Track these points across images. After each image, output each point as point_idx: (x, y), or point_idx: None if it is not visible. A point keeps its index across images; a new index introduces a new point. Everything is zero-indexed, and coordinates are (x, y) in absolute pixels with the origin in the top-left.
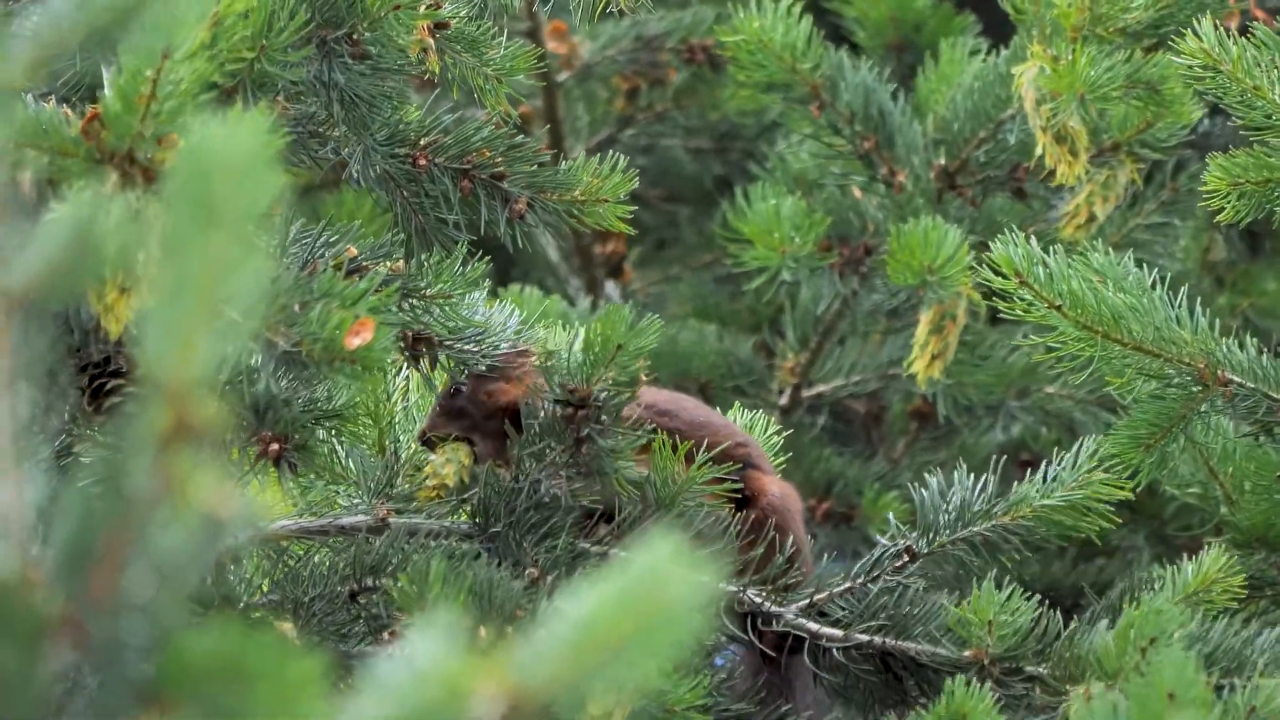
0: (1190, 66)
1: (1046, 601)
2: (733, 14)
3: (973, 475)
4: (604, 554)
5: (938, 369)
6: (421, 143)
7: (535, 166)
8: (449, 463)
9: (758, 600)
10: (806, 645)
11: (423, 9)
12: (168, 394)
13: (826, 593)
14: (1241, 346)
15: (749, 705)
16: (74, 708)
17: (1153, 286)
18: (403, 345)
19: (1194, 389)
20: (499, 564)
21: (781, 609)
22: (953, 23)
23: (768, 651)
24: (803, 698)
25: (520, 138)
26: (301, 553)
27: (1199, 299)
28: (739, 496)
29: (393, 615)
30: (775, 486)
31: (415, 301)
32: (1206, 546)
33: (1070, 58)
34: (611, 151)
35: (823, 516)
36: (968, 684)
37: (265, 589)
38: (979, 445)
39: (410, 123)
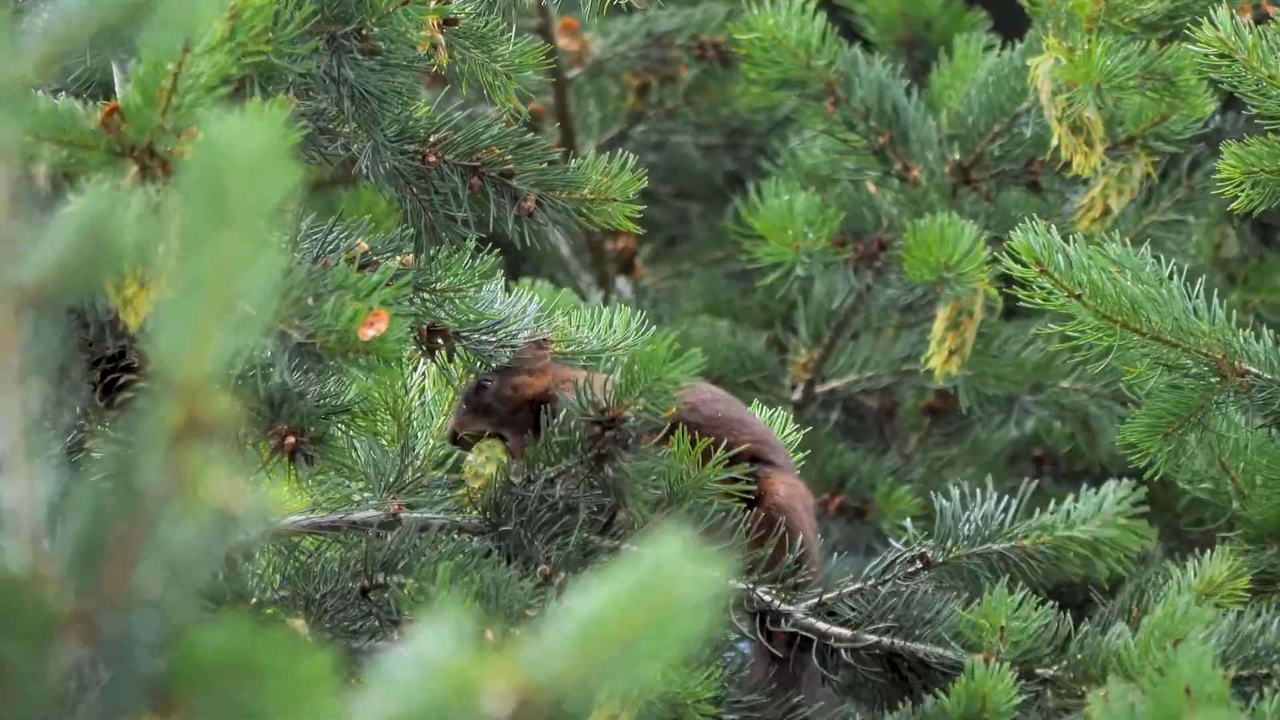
0: (1206, 56)
1: (1056, 604)
2: (745, 10)
3: (991, 483)
4: (615, 550)
5: (955, 364)
6: (431, 139)
7: (544, 164)
8: (489, 461)
9: (767, 598)
10: (815, 645)
11: (432, 4)
12: (179, 390)
13: (836, 592)
14: (1258, 338)
15: (760, 697)
16: (85, 704)
17: (1170, 278)
18: (417, 338)
19: (1211, 379)
20: (509, 561)
21: (791, 608)
22: (963, 19)
23: (775, 652)
24: (812, 692)
25: (530, 135)
26: (313, 548)
27: (1215, 291)
28: (749, 496)
29: (404, 612)
30: (783, 486)
31: (427, 295)
32: (1219, 543)
33: (1086, 48)
34: (621, 150)
35: (836, 511)
36: (986, 664)
37: (277, 585)
38: (992, 441)
39: (420, 119)
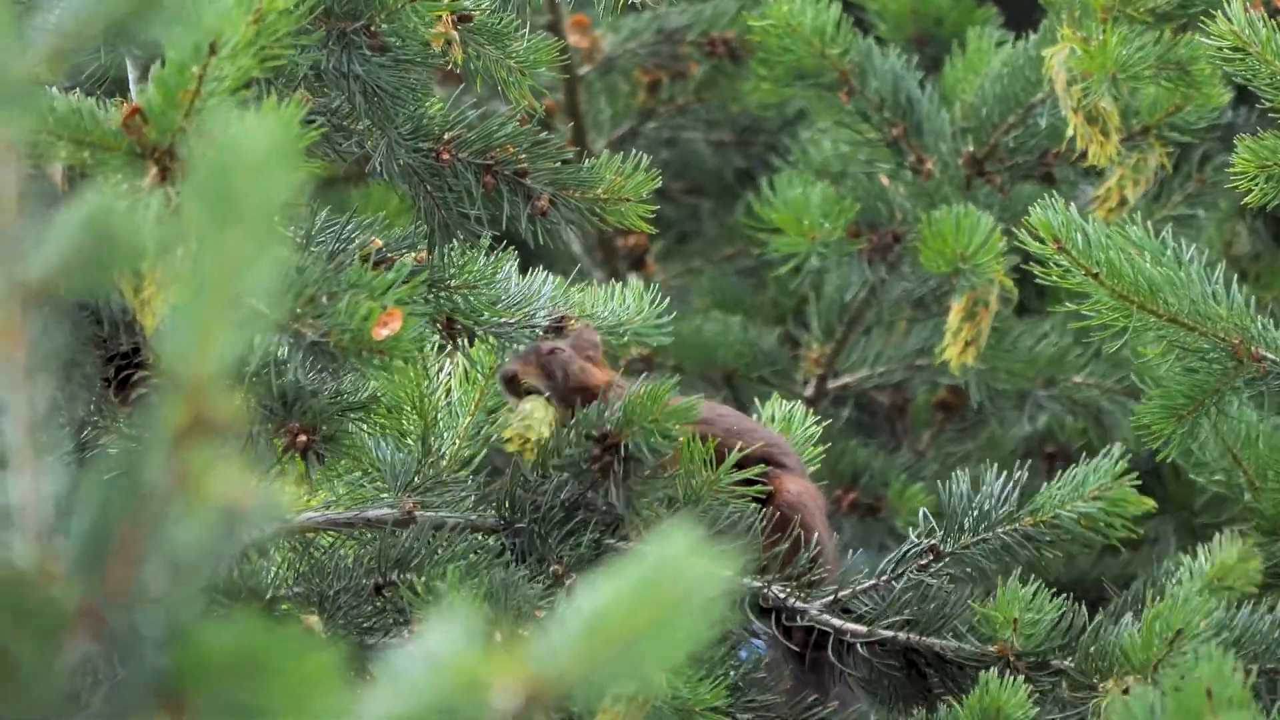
0: (1219, 49)
1: (1071, 596)
2: (763, 1)
3: (1000, 474)
4: (627, 550)
5: (970, 355)
6: (445, 137)
7: (558, 163)
8: (544, 423)
9: (782, 596)
10: (831, 640)
11: (442, 1)
12: (186, 388)
13: (850, 589)
14: (1277, 325)
15: (775, 696)
16: (93, 700)
17: (1190, 262)
18: (438, 328)
19: (1227, 364)
20: (523, 559)
21: (806, 605)
22: (974, 15)
23: (792, 647)
24: (828, 691)
25: (544, 134)
26: (328, 545)
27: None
28: (761, 496)
29: (415, 610)
30: (795, 485)
31: (442, 292)
32: (1223, 533)
33: (1101, 38)
34: (634, 150)
35: (848, 508)
36: (1001, 676)
37: (291, 581)
38: (1006, 437)
39: (434, 117)
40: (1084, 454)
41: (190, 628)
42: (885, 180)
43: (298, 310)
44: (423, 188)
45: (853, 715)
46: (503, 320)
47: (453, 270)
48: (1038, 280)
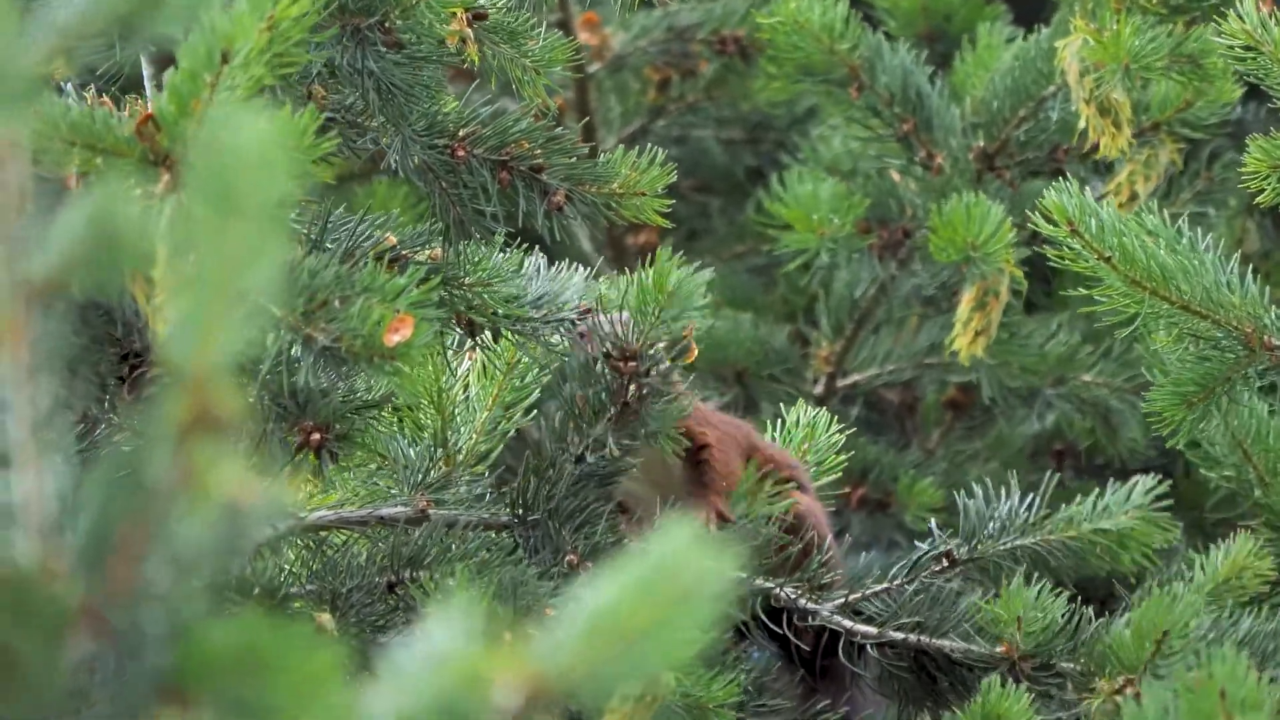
0: (1231, 48)
1: (1079, 598)
2: None
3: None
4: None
5: (980, 346)
6: (460, 134)
7: (573, 159)
8: None
9: (793, 597)
10: (841, 641)
11: None
12: (188, 384)
13: (862, 591)
14: None
15: (784, 700)
16: (96, 698)
17: (1205, 251)
18: (458, 326)
19: (1240, 352)
20: (537, 552)
21: (817, 606)
22: (983, 12)
23: (803, 647)
24: (839, 695)
25: (559, 130)
26: (340, 543)
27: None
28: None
29: (425, 607)
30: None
31: (456, 291)
32: (1235, 532)
33: (1114, 29)
34: (650, 145)
35: (857, 504)
36: (1003, 683)
37: (304, 579)
38: (1015, 435)
39: (449, 113)
40: (1093, 453)
41: (194, 625)
42: (895, 176)
43: (310, 313)
44: (437, 184)
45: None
46: (525, 317)
47: (467, 267)
48: (1047, 278)
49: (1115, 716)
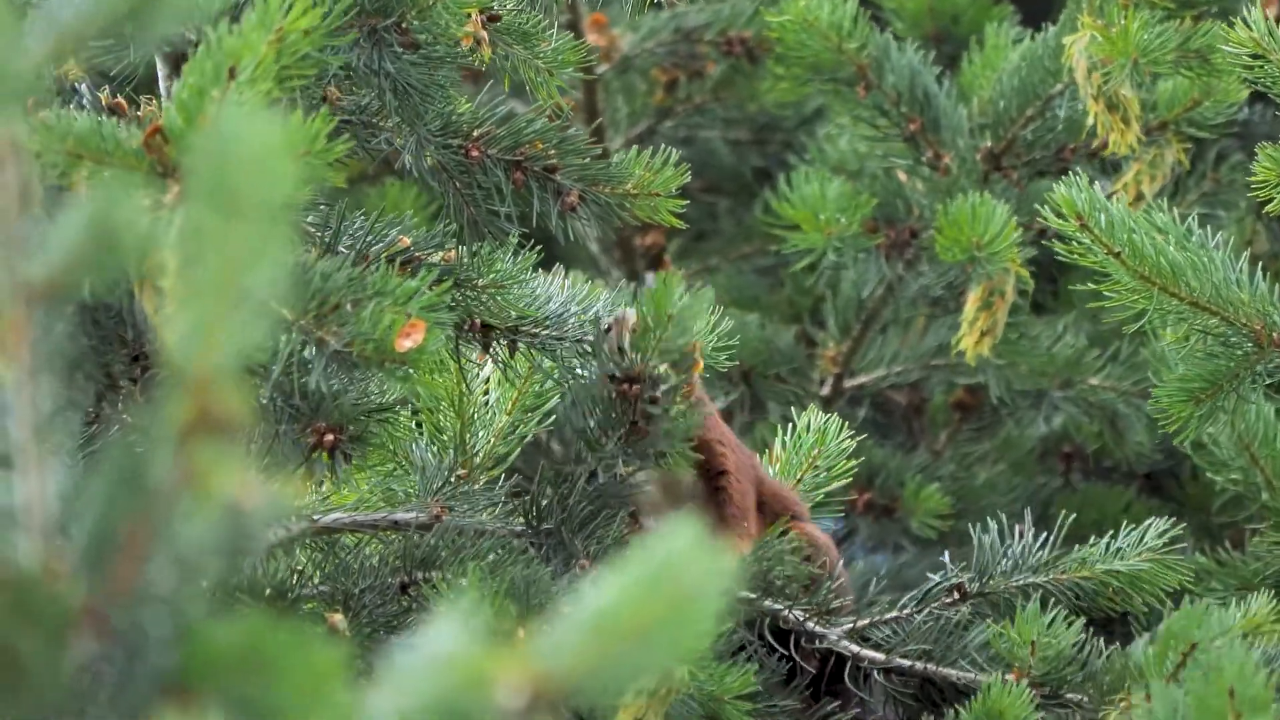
0: (1239, 56)
1: (1091, 627)
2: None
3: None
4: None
5: (987, 345)
6: (474, 134)
7: (587, 159)
8: None
9: (801, 620)
10: (848, 666)
11: None
12: (190, 384)
13: (870, 619)
14: None
15: (796, 702)
16: (99, 699)
17: (1216, 248)
18: (470, 332)
19: (1249, 349)
20: (549, 559)
21: (825, 630)
22: (991, 12)
23: (808, 668)
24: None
25: (573, 130)
26: (353, 545)
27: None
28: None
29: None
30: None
31: (469, 293)
32: (1248, 535)
33: (1122, 24)
34: (664, 145)
35: (863, 508)
36: (1004, 684)
37: (317, 581)
38: (1022, 438)
39: (463, 114)
40: (1100, 456)
41: (197, 625)
42: (902, 176)
43: (322, 316)
44: (452, 185)
45: None
46: (537, 328)
47: (481, 269)
48: (1052, 276)
49: (1149, 714)
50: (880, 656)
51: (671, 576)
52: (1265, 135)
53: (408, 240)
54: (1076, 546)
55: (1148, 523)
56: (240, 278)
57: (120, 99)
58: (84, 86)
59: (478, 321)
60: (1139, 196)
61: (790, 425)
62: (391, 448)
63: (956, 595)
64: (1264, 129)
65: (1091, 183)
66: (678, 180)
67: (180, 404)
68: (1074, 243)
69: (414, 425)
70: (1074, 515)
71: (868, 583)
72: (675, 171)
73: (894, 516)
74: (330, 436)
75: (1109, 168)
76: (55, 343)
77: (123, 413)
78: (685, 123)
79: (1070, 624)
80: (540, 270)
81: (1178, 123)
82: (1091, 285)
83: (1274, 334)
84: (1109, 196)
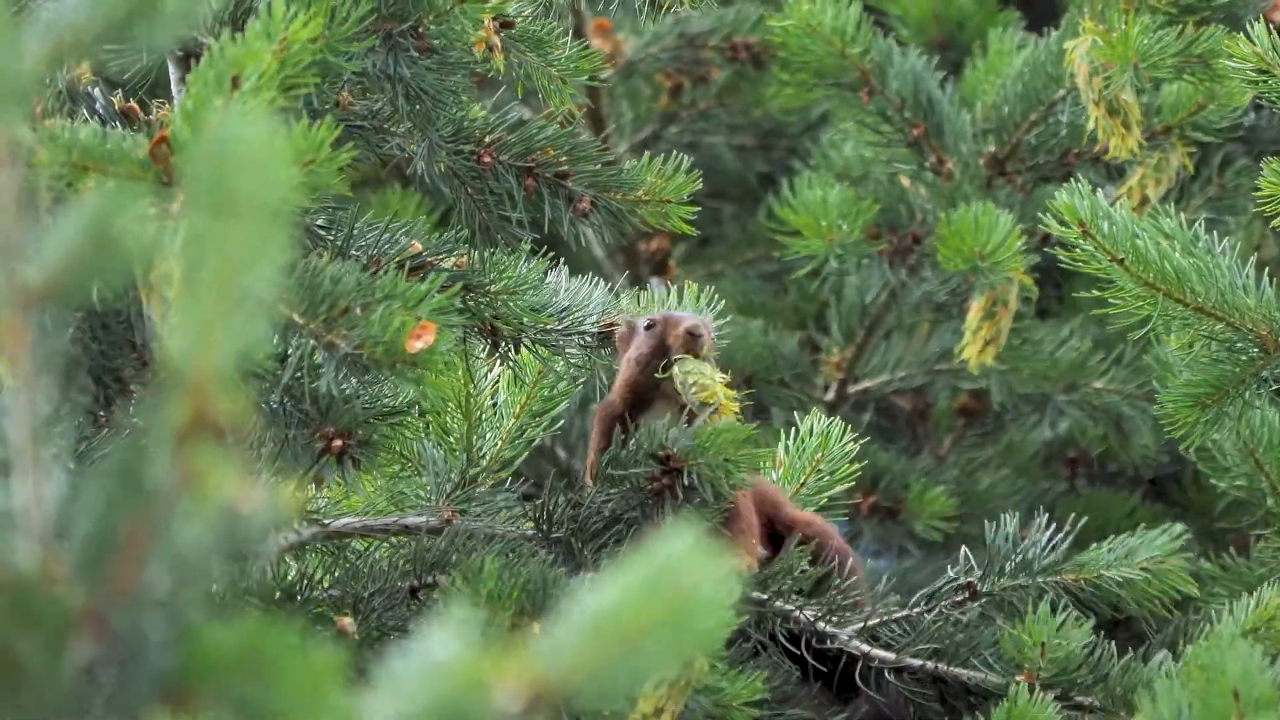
0: (1244, 71)
1: (1100, 629)
2: (784, 2)
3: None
4: None
5: (989, 355)
6: (486, 140)
7: (599, 166)
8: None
9: (813, 620)
10: (859, 666)
11: (488, 4)
12: (188, 387)
13: (881, 618)
14: None
15: (804, 711)
16: (98, 701)
17: (1221, 253)
18: (481, 333)
19: (1255, 354)
20: (557, 563)
21: (837, 630)
22: (996, 18)
23: (820, 668)
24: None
25: (584, 136)
26: (363, 549)
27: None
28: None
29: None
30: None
31: (480, 297)
32: (1253, 540)
33: (1123, 29)
34: (664, 151)
35: (868, 511)
36: (1031, 691)
37: (327, 585)
38: (1027, 442)
39: (475, 120)
40: (1105, 460)
41: (196, 628)
42: (906, 181)
43: (332, 320)
44: (464, 190)
45: None
46: (548, 327)
47: (493, 275)
48: (1057, 282)
49: (1155, 714)
50: (891, 656)
51: (670, 579)
52: (1271, 140)
53: (419, 246)
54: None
55: (1160, 528)
56: (239, 278)
57: (133, 103)
58: (96, 91)
59: (486, 323)
60: (1144, 201)
61: (793, 429)
62: (399, 449)
63: (968, 594)
64: (1270, 134)
65: (1095, 188)
66: (690, 187)
67: (178, 406)
68: (1078, 250)
69: (422, 426)
70: (1083, 519)
71: (874, 585)
72: (687, 178)
73: (898, 520)
74: (339, 441)
75: (1113, 173)
76: (54, 347)
77: (133, 417)
78: (690, 128)
79: (1081, 625)
80: (537, 256)
81: (1182, 127)
82: (1096, 292)
83: None
84: (1113, 201)
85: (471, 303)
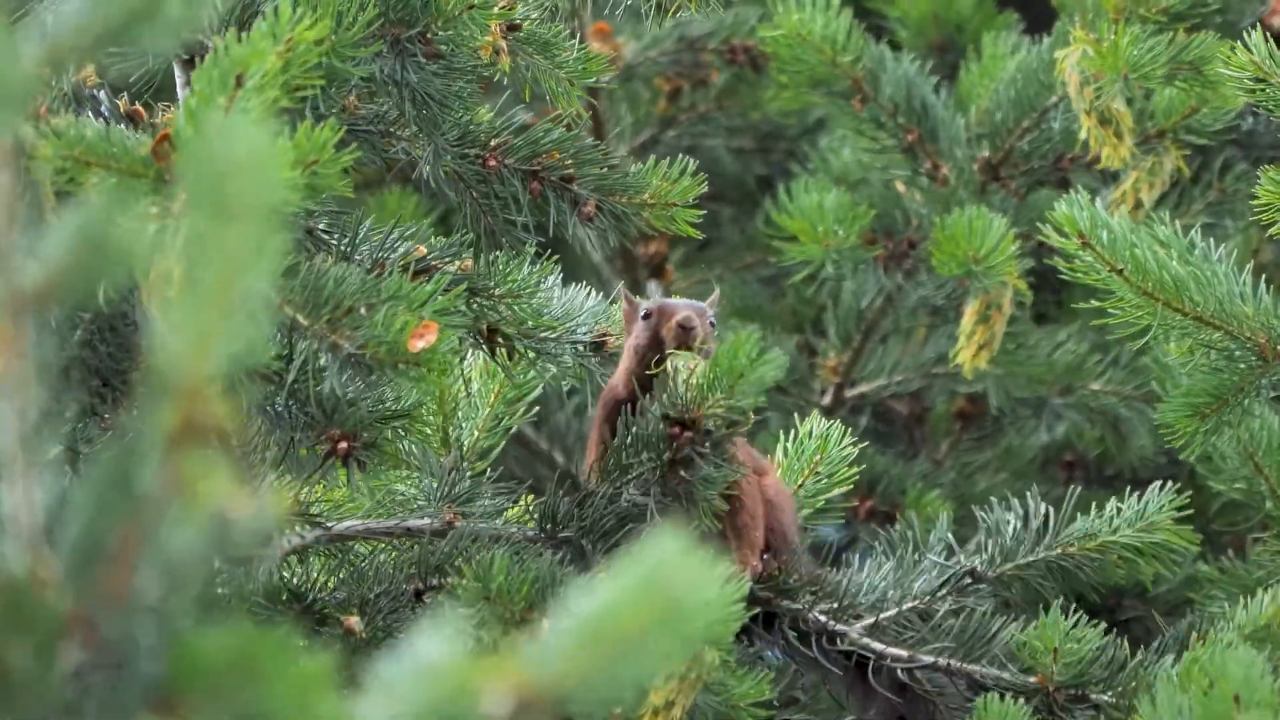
0: (1241, 80)
1: (1114, 629)
2: (774, 11)
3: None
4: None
5: (984, 359)
6: (492, 144)
7: (604, 169)
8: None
9: (821, 619)
10: (870, 664)
11: (496, 9)
12: (178, 392)
13: (891, 611)
14: None
15: (808, 715)
16: (88, 708)
17: (1219, 261)
18: (478, 338)
19: (1253, 363)
20: (564, 562)
21: (846, 628)
22: (995, 21)
23: (833, 669)
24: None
25: (589, 140)
26: (367, 552)
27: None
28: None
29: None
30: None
31: (484, 301)
32: (1250, 543)
33: (1113, 39)
34: (669, 154)
35: (865, 515)
36: (1039, 708)
37: (331, 587)
38: (1024, 446)
39: (481, 124)
40: (1103, 463)
41: (185, 633)
42: (901, 187)
43: (336, 320)
44: (469, 194)
45: None
46: (545, 334)
47: (497, 278)
48: (1055, 288)
49: (1155, 717)
50: (904, 654)
51: (662, 583)
52: (1269, 145)
53: (424, 249)
54: (1079, 516)
55: (1150, 490)
56: (235, 282)
57: (138, 106)
58: (102, 94)
59: (484, 327)
60: (1138, 204)
61: (792, 432)
62: (401, 457)
63: (971, 580)
64: (1268, 139)
65: (1092, 196)
66: (695, 190)
67: (167, 412)
68: (1076, 260)
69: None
70: (1078, 490)
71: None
72: (693, 181)
73: (895, 524)
74: (344, 444)
75: (1107, 177)
76: (52, 350)
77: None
78: (689, 131)
79: (1095, 626)
80: (541, 260)
81: (1176, 130)
82: (1095, 302)
83: (1279, 347)
84: (1108, 205)
85: (475, 306)
